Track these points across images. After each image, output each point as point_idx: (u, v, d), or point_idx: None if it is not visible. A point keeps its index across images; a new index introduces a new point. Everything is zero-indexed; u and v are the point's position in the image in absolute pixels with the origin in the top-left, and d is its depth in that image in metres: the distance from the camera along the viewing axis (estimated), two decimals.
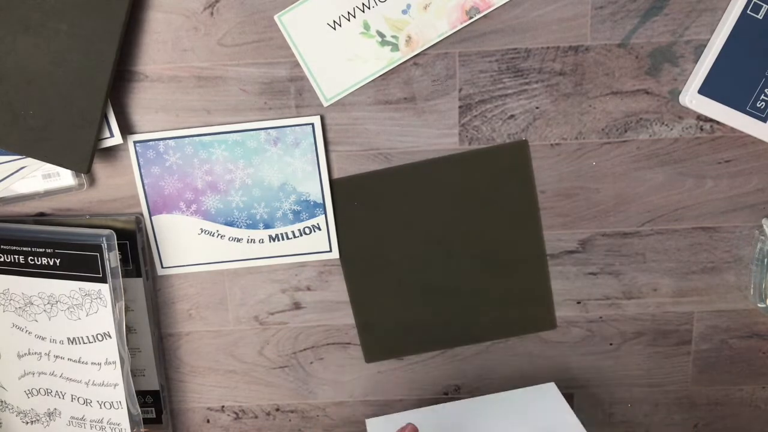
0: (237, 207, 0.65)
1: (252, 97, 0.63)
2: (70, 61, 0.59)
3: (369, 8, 0.61)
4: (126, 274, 0.66)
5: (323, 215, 0.65)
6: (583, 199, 0.66)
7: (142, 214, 0.66)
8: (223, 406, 0.72)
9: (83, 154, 0.61)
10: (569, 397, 0.71)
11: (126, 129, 0.64)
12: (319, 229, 0.66)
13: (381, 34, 0.61)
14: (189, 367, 0.71)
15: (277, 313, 0.69)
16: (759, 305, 0.68)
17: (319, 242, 0.66)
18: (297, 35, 0.61)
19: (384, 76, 0.63)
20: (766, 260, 0.66)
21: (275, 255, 0.66)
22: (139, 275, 0.66)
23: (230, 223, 0.65)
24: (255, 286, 0.68)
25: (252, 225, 0.66)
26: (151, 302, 0.68)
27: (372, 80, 0.63)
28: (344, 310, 0.69)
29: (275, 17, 0.61)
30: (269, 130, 0.63)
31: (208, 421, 0.72)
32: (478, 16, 0.61)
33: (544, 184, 0.66)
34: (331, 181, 0.65)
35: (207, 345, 0.70)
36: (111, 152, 0.64)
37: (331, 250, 0.66)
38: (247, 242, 0.66)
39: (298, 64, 0.62)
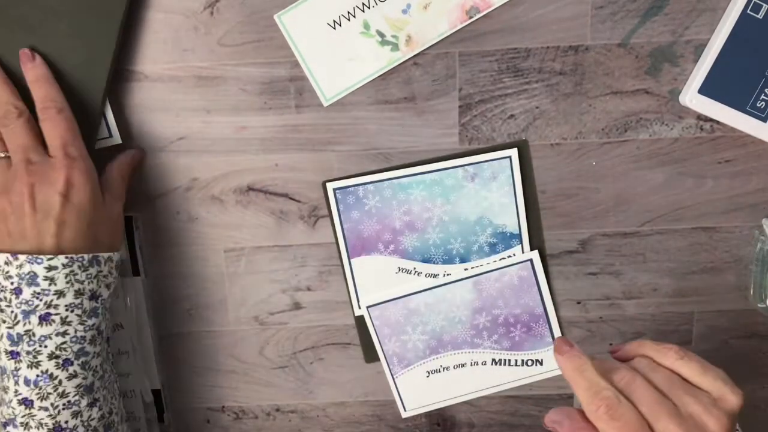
0: (434, 244, 0.66)
1: (252, 97, 0.63)
2: (69, 60, 0.59)
3: (369, 8, 0.61)
4: (123, 273, 0.66)
5: (519, 245, 0.66)
6: (583, 199, 0.66)
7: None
8: (223, 406, 0.72)
9: None
10: (570, 398, 0.71)
11: (125, 129, 0.64)
12: (514, 255, 0.66)
13: (381, 34, 0.61)
14: (189, 367, 0.71)
15: (277, 313, 0.69)
16: (759, 305, 0.68)
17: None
18: (297, 35, 0.61)
19: (384, 76, 0.63)
20: (766, 260, 0.66)
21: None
22: (137, 274, 0.66)
23: (427, 260, 0.66)
24: (255, 286, 0.68)
25: (448, 260, 0.66)
26: (150, 302, 0.68)
27: (372, 80, 0.63)
28: (344, 310, 0.69)
29: (275, 17, 0.61)
30: (467, 167, 0.64)
31: (208, 422, 0.72)
32: (478, 16, 0.61)
33: (544, 184, 0.66)
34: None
35: (207, 345, 0.70)
36: (110, 152, 0.64)
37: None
38: (444, 277, 0.66)
39: (298, 64, 0.62)
